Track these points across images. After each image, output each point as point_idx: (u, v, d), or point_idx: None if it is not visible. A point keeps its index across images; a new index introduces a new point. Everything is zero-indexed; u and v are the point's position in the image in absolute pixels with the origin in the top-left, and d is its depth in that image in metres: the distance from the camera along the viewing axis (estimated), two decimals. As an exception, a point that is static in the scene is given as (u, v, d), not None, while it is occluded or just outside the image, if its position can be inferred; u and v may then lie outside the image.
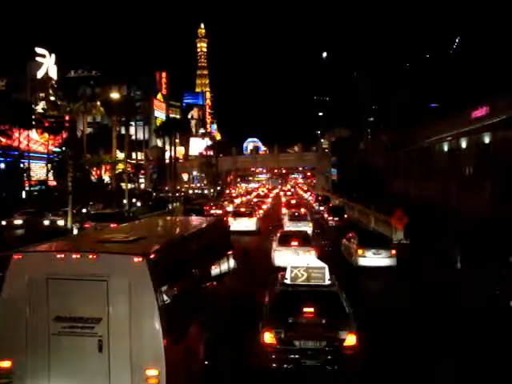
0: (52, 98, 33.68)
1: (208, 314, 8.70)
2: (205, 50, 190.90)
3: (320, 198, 53.51)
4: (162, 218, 14.64)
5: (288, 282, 9.19)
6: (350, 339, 8.26)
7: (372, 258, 18.22)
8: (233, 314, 10.69)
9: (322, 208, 42.27)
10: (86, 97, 31.93)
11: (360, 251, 18.35)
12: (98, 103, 36.04)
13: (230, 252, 12.09)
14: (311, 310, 8.59)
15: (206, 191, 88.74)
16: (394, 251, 18.54)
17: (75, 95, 31.00)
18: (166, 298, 6.46)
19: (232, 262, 12.12)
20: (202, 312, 8.27)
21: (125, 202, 41.42)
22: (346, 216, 33.56)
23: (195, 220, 13.45)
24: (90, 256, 6.35)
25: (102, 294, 6.18)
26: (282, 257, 17.06)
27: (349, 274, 16.59)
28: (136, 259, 6.18)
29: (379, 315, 12.12)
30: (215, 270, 10.14)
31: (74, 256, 6.40)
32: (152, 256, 6.38)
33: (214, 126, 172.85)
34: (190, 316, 7.50)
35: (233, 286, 12.12)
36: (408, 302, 13.78)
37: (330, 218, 33.16)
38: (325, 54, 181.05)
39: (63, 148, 44.53)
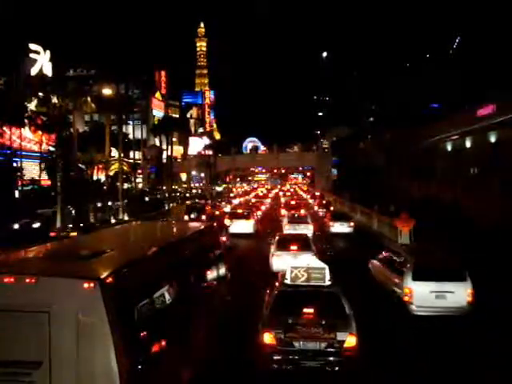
0: (41, 94, 32.23)
1: (193, 341, 7.30)
2: (204, 49, 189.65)
3: (316, 195, 63.82)
4: (141, 223, 12.83)
5: (288, 282, 9.14)
6: (350, 340, 8.15)
7: (338, 227, 29.35)
8: (225, 331, 9.76)
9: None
10: (75, 92, 30.46)
11: (331, 223, 29.92)
12: (89, 99, 34.57)
13: (220, 261, 10.67)
14: (311, 310, 8.50)
15: (200, 191, 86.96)
16: (352, 223, 29.96)
17: (65, 91, 29.57)
18: (127, 333, 4.97)
19: (223, 271, 10.71)
20: (184, 342, 6.84)
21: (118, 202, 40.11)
22: (332, 208, 42.10)
23: (178, 226, 11.72)
24: (27, 280, 4.84)
25: (43, 330, 4.74)
26: (281, 261, 16.07)
27: (325, 235, 28.32)
28: (86, 284, 4.72)
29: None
30: (201, 284, 8.74)
31: (5, 280, 4.90)
32: (109, 280, 4.90)
33: (214, 126, 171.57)
34: (163, 352, 5.97)
35: (226, 296, 11.04)
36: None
37: (320, 209, 42.31)
38: (325, 54, 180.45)
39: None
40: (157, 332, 5.81)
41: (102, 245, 6.49)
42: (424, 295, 11.38)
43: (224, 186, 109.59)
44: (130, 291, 5.32)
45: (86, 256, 5.71)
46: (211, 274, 9.55)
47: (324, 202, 48.58)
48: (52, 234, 26.20)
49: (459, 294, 11.42)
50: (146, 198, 51.83)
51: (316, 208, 45.35)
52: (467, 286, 11.54)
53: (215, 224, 11.84)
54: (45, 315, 4.76)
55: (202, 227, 10.55)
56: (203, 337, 8.26)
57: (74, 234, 23.93)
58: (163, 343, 5.95)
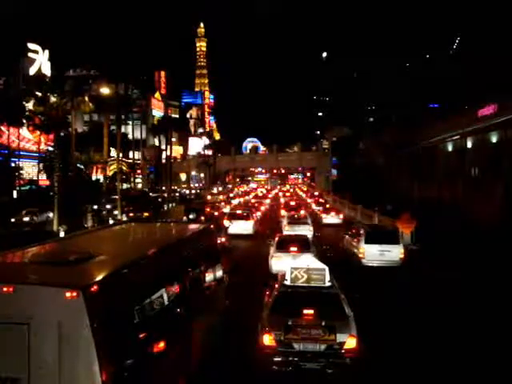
0: (39, 94, 31.86)
1: (187, 348, 6.95)
2: (204, 49, 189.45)
3: (315, 195, 68.34)
4: (136, 224, 12.33)
5: (288, 283, 9.04)
6: (350, 342, 8.06)
7: (329, 219, 35.94)
8: (224, 334, 9.52)
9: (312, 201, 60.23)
10: (73, 92, 30.07)
11: (324, 215, 36.78)
12: (86, 98, 34.04)
13: (217, 263, 10.28)
14: (311, 311, 8.35)
15: (198, 191, 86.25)
16: (341, 216, 36.79)
17: (62, 90, 29.21)
18: (113, 347, 4.60)
19: (220, 274, 10.31)
20: (178, 350, 6.47)
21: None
22: (327, 206, 45.81)
23: (175, 228, 11.25)
24: (5, 288, 4.45)
25: (21, 344, 4.37)
26: (280, 263, 15.68)
27: (319, 226, 31.95)
28: (69, 294, 4.32)
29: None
30: (197, 289, 8.37)
31: None
32: (93, 289, 4.50)
33: (213, 126, 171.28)
34: (156, 364, 5.60)
35: (224, 299, 10.61)
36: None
37: (316, 207, 46.41)
38: (325, 54, 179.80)
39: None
40: (147, 343, 5.43)
41: (90, 248, 6.04)
42: (372, 253, 17.72)
43: (225, 186, 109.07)
44: (117, 300, 4.92)
45: (71, 261, 5.28)
46: (208, 278, 9.18)
47: (321, 200, 53.29)
48: (130, 215, 28.57)
49: (395, 252, 17.66)
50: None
51: (314, 206, 49.59)
52: (400, 247, 17.91)
53: (212, 225, 11.42)
54: (24, 327, 4.39)
55: (200, 228, 10.13)
56: (199, 342, 7.91)
57: (147, 214, 26.40)
58: (154, 355, 5.59)
